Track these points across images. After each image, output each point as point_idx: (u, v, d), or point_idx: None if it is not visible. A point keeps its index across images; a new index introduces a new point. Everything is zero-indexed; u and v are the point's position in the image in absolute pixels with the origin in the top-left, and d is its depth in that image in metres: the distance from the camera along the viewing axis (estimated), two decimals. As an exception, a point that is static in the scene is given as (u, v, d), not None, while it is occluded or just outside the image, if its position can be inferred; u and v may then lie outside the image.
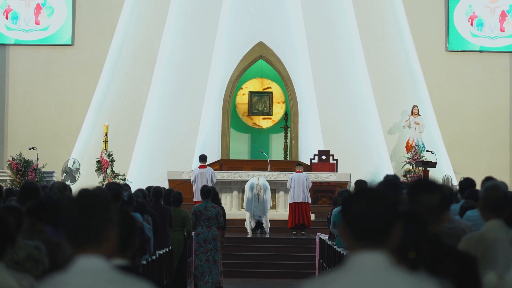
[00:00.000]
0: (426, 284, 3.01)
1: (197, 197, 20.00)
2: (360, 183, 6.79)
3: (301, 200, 20.51)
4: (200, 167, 21.16)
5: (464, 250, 5.17)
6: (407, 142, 24.68)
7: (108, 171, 23.10)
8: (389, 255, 3.02)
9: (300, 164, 21.71)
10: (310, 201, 20.78)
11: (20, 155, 22.48)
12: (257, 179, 20.78)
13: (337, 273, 3.01)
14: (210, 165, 22.28)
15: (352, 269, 2.99)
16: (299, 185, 20.51)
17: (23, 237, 5.88)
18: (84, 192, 3.24)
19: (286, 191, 21.41)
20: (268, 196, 20.74)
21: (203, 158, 21.35)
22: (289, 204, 20.71)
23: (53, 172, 22.83)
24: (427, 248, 4.10)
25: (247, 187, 20.70)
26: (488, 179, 7.73)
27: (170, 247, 13.36)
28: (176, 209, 14.18)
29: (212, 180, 20.96)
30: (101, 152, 23.29)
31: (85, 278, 3.05)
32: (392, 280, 2.95)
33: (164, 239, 12.82)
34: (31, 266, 5.59)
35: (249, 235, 20.39)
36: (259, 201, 20.46)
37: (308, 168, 23.45)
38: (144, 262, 9.83)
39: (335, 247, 14.02)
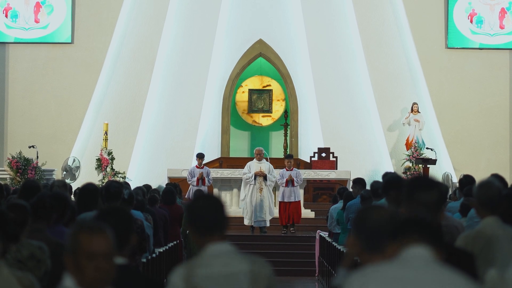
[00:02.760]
0: (466, 281, 3.01)
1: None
2: (388, 177, 6.79)
3: None
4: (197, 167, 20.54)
5: (461, 247, 5.18)
6: (407, 140, 24.69)
7: (108, 169, 23.10)
8: (433, 251, 3.02)
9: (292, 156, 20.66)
10: None
11: (20, 153, 22.50)
12: (258, 168, 19.67)
13: (383, 264, 3.02)
14: (209, 163, 22.17)
15: (397, 261, 3.00)
16: None
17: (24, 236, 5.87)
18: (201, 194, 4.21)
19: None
20: (273, 181, 19.70)
21: (197, 156, 20.63)
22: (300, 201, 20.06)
23: (53, 170, 22.84)
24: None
25: (244, 185, 19.98)
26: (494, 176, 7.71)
27: (171, 244, 13.32)
28: None
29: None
30: (101, 150, 23.29)
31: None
32: (434, 275, 2.96)
33: (157, 241, 12.46)
34: (33, 265, 5.58)
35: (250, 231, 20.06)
36: (260, 205, 19.55)
37: (308, 165, 23.42)
38: (144, 260, 9.85)
39: (334, 244, 14.04)
